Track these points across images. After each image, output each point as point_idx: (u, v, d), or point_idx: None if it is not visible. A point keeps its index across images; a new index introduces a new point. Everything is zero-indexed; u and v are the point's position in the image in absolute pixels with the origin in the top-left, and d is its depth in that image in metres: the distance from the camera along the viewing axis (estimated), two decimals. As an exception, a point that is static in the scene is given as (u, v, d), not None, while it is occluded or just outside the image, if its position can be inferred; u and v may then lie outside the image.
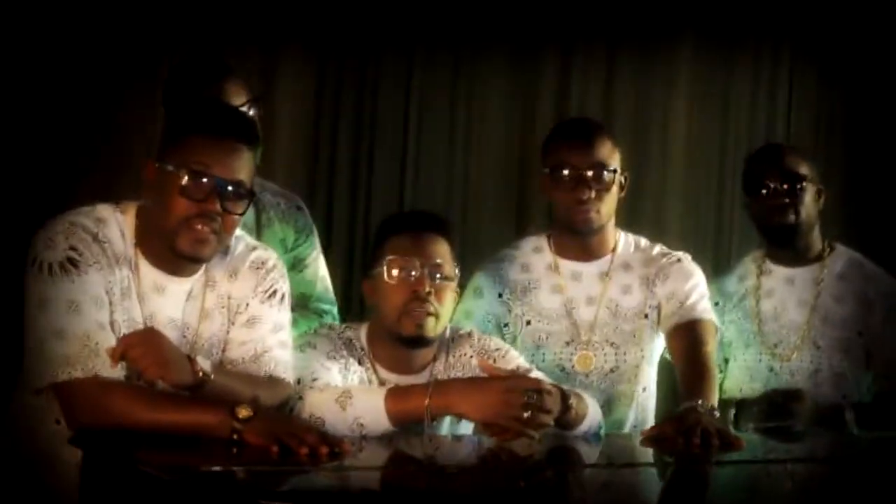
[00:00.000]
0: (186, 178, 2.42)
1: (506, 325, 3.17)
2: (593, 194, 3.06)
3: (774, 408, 3.21)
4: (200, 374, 2.40)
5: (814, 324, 3.33)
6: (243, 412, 2.29)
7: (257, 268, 2.62)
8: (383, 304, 2.78)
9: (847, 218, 3.42)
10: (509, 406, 2.53)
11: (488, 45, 4.70)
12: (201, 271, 2.56)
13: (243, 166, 2.47)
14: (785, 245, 3.34)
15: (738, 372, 3.36)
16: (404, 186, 4.65)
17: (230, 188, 2.44)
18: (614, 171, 3.09)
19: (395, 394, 2.61)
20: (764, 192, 3.29)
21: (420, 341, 2.77)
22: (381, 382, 2.78)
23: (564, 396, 2.65)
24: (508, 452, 2.52)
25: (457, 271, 2.84)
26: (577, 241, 3.18)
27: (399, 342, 2.78)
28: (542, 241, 3.26)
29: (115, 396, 2.33)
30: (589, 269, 3.19)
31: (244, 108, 3.03)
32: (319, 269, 3.34)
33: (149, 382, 2.39)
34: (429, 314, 2.74)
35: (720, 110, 5.03)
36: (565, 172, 3.07)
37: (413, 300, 2.74)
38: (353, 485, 2.18)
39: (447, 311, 2.82)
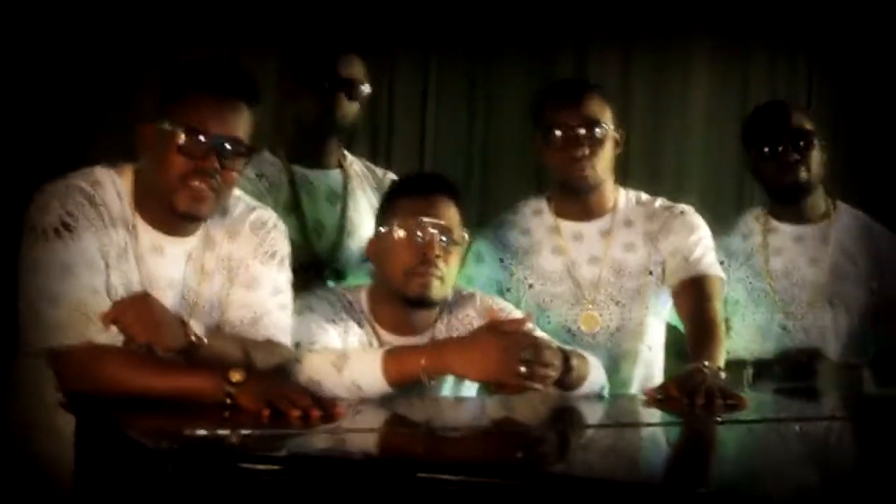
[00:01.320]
0: (184, 135, 2.39)
1: (508, 289, 3.14)
2: (587, 151, 3.03)
3: (795, 367, 3.17)
4: (193, 338, 2.38)
5: (827, 282, 3.29)
6: (236, 376, 2.26)
7: (258, 228, 2.59)
8: (389, 264, 2.75)
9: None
10: (507, 363, 2.51)
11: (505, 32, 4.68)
12: (200, 232, 2.53)
13: (242, 123, 2.45)
14: (794, 203, 3.29)
15: (747, 332, 3.31)
16: (424, 155, 4.62)
17: (228, 145, 2.41)
18: (606, 127, 3.05)
19: (391, 355, 2.58)
20: (770, 150, 3.24)
21: (425, 303, 2.74)
22: (382, 344, 2.75)
23: (565, 356, 2.62)
24: (510, 414, 2.49)
25: (465, 236, 2.80)
26: (577, 200, 3.14)
27: (403, 303, 2.75)
28: (541, 204, 3.22)
29: (107, 362, 2.31)
30: (590, 228, 3.16)
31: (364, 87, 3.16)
32: None
33: (143, 348, 2.37)
34: (436, 277, 2.72)
35: (738, 102, 4.94)
36: (557, 133, 3.03)
37: (421, 262, 2.71)
38: (340, 448, 2.14)
39: (453, 274, 2.79)
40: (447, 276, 2.75)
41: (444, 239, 2.73)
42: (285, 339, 2.57)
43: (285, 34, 4.20)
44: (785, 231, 3.32)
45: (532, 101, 3.20)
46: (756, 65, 4.99)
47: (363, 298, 2.81)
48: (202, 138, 2.39)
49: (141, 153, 2.48)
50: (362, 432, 2.29)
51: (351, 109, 3.20)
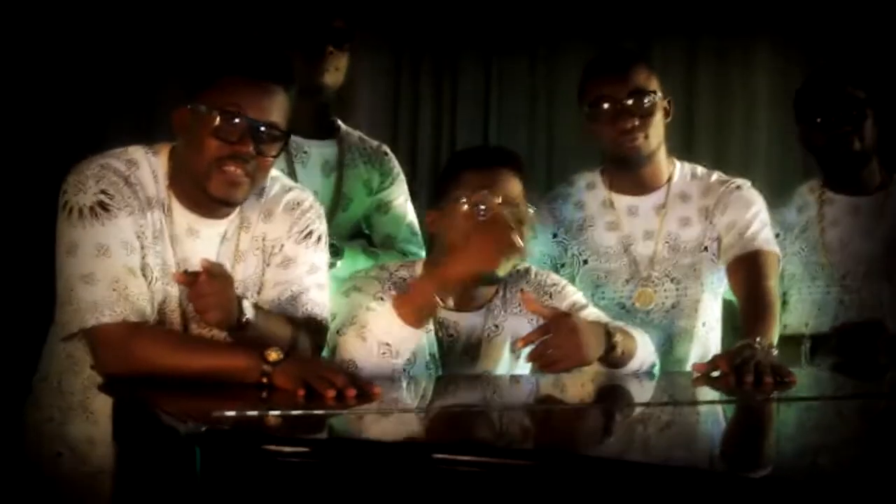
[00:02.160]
0: (219, 119, 2.36)
1: (562, 265, 3.09)
2: (637, 122, 2.96)
3: (853, 341, 3.08)
4: (245, 318, 2.36)
5: (883, 253, 3.20)
6: (273, 355, 2.24)
7: (292, 209, 2.56)
8: (454, 238, 2.67)
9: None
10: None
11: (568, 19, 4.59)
12: (235, 213, 2.50)
13: (277, 107, 2.41)
14: (847, 174, 3.19)
15: (803, 306, 3.24)
16: (487, 137, 4.57)
17: (263, 129, 2.38)
18: (654, 94, 2.98)
19: (400, 299, 2.56)
20: (823, 119, 3.15)
21: (492, 280, 2.70)
22: (439, 321, 2.72)
23: (608, 334, 2.55)
24: (554, 392, 2.44)
25: (531, 211, 2.74)
26: (630, 174, 3.07)
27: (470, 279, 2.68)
28: (595, 177, 3.16)
29: (144, 341, 2.30)
30: (644, 202, 3.09)
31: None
32: (407, 214, 3.27)
33: (182, 325, 2.36)
34: None
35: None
36: (605, 106, 2.96)
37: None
38: (371, 430, 2.10)
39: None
40: None
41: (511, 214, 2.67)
42: (324, 317, 2.54)
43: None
44: (841, 202, 3.24)
45: (580, 78, 3.11)
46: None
47: (418, 273, 2.76)
48: (238, 122, 2.37)
49: (177, 134, 2.45)
50: (398, 412, 2.26)
51: (340, 62, 3.12)
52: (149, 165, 2.45)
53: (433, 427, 2.16)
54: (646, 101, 2.96)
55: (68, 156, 2.51)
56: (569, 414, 2.30)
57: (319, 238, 2.59)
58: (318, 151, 3.16)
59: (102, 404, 2.32)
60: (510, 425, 2.16)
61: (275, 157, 2.45)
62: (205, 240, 2.47)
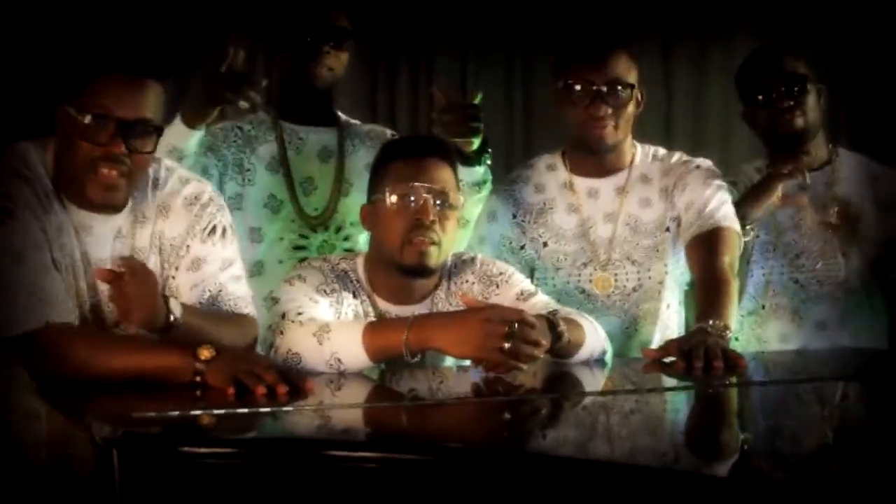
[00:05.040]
0: (87, 120, 2.32)
1: (522, 247, 3.04)
2: (609, 111, 2.90)
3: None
4: (172, 317, 2.32)
5: (836, 230, 3.15)
6: (205, 353, 2.19)
7: (190, 204, 2.51)
8: (384, 231, 2.66)
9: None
10: (489, 338, 2.37)
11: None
12: (129, 207, 2.45)
13: (149, 102, 2.37)
14: (792, 151, 3.13)
15: (756, 286, 3.18)
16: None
17: (134, 127, 2.34)
18: (631, 87, 2.92)
19: (373, 328, 2.48)
20: (764, 97, 3.10)
21: (422, 271, 2.65)
22: (380, 314, 2.67)
23: (552, 325, 2.50)
24: (497, 382, 2.39)
25: (461, 199, 2.70)
26: (594, 158, 3.02)
27: (400, 272, 2.65)
28: (555, 159, 3.11)
29: (72, 343, 2.25)
30: (605, 184, 3.04)
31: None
32: None
33: (110, 324, 2.32)
34: (432, 243, 2.62)
35: None
36: (578, 88, 2.90)
37: (415, 228, 2.61)
38: (297, 425, 2.06)
39: (450, 239, 2.69)
40: (444, 242, 2.65)
41: (438, 203, 2.63)
42: (249, 310, 2.50)
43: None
44: (787, 181, 3.17)
45: (558, 51, 3.06)
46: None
47: (359, 267, 2.72)
48: (107, 123, 2.32)
49: (56, 135, 2.41)
50: (332, 409, 2.21)
51: (336, 62, 3.09)
52: (40, 160, 2.41)
53: (366, 423, 2.11)
54: (622, 92, 2.91)
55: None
56: (509, 405, 2.25)
57: (224, 231, 2.54)
58: (315, 138, 3.13)
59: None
60: (449, 418, 2.11)
61: (150, 152, 2.40)
62: (98, 236, 2.42)
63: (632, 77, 2.94)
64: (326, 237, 3.09)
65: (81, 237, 2.40)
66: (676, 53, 4.81)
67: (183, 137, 2.75)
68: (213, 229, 2.51)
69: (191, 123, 2.75)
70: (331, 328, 2.47)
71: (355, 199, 3.05)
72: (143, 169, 2.42)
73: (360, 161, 3.12)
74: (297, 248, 3.06)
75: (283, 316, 2.52)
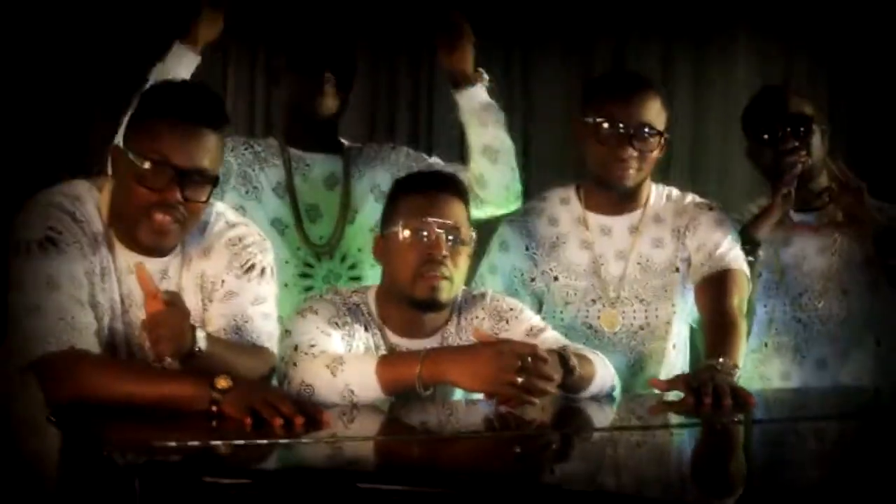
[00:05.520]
0: (146, 166, 2.35)
1: (533, 279, 3.06)
2: (635, 154, 2.92)
3: None
4: (196, 348, 2.34)
5: (838, 269, 3.18)
6: (222, 382, 2.21)
7: (233, 244, 2.55)
8: (396, 265, 2.69)
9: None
10: (501, 372, 2.40)
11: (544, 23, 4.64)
12: (177, 250, 2.49)
13: (207, 151, 2.40)
14: (797, 191, 3.16)
15: (759, 324, 3.19)
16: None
17: (192, 177, 2.37)
18: (660, 133, 2.94)
19: (386, 361, 2.51)
20: (769, 136, 3.13)
21: (433, 305, 2.67)
22: (391, 347, 2.69)
23: (563, 360, 2.53)
24: (511, 418, 2.41)
25: (473, 235, 2.73)
26: (609, 195, 3.04)
27: (411, 305, 2.68)
28: (569, 193, 3.12)
29: (92, 369, 2.27)
30: (619, 222, 3.06)
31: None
32: None
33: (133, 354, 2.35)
34: (443, 278, 2.64)
35: None
36: (606, 126, 2.92)
37: (428, 262, 2.64)
38: (315, 457, 2.07)
39: (462, 274, 2.72)
40: (455, 277, 2.68)
41: (451, 238, 2.66)
42: (271, 345, 2.52)
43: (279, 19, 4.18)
44: (791, 219, 3.20)
45: (588, 84, 3.10)
46: (799, 64, 4.88)
47: (371, 300, 2.75)
48: (165, 170, 2.35)
49: (112, 175, 2.45)
50: (347, 441, 2.23)
51: (338, 88, 3.14)
52: (93, 200, 2.45)
53: (380, 455, 2.13)
54: (650, 137, 2.93)
55: (20, 188, 2.52)
56: (523, 440, 2.27)
57: (263, 270, 2.57)
58: (321, 165, 3.17)
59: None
60: (463, 452, 2.13)
61: (205, 201, 2.43)
62: None
63: (661, 122, 2.96)
64: (332, 266, 3.12)
65: (125, 278, 2.44)
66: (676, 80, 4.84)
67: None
68: (252, 267, 2.55)
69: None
70: (344, 360, 2.49)
71: (361, 226, 3.10)
72: (197, 216, 2.45)
73: (366, 186, 3.16)
74: (303, 275, 3.09)
75: (296, 348, 2.54)
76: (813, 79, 4.82)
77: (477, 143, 3.10)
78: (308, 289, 3.06)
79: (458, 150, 4.03)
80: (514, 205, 3.16)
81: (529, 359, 2.41)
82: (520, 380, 2.40)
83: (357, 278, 3.13)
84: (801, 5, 4.71)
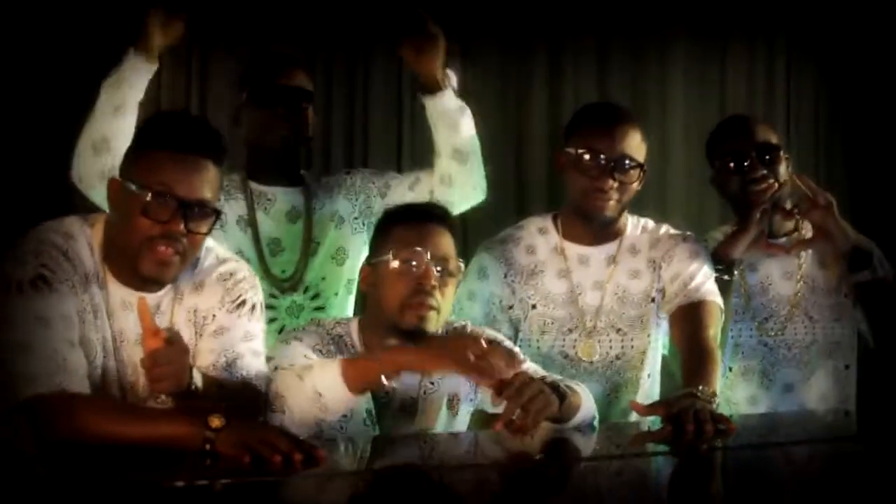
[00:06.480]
0: (149, 197, 2.37)
1: (511, 307, 3.09)
2: (615, 185, 2.97)
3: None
4: (193, 387, 2.37)
5: (804, 294, 3.24)
6: (215, 421, 2.22)
7: (224, 280, 2.58)
8: (384, 294, 2.72)
9: (847, 214, 3.28)
10: (461, 347, 2.47)
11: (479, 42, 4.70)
12: (168, 286, 2.52)
13: (208, 183, 2.43)
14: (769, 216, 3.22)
15: (727, 349, 3.22)
16: (401, 157, 4.67)
17: (194, 208, 2.40)
18: (641, 169, 3.00)
19: (350, 360, 2.55)
20: (736, 164, 3.18)
21: (420, 334, 2.70)
22: None
23: (556, 387, 2.55)
24: (502, 448, 2.45)
25: (461, 266, 2.77)
26: (587, 225, 3.08)
27: (397, 334, 2.71)
28: (546, 223, 3.16)
29: (85, 410, 2.28)
30: (596, 252, 3.10)
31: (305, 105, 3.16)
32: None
33: (121, 397, 2.35)
34: (431, 308, 2.68)
35: (717, 103, 4.99)
36: (587, 157, 2.97)
37: (416, 293, 2.68)
38: (322, 494, 2.10)
39: (449, 305, 2.76)
40: (443, 307, 2.71)
41: (440, 269, 2.70)
42: (260, 384, 2.54)
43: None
44: (766, 239, 3.24)
45: (572, 116, 3.14)
46: (734, 67, 5.02)
47: (353, 331, 2.77)
48: (168, 201, 2.38)
49: (109, 207, 2.47)
50: (345, 476, 2.26)
51: (297, 122, 3.16)
52: (85, 238, 2.47)
53: (377, 490, 2.16)
54: (631, 168, 2.98)
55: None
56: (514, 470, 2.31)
57: (254, 307, 2.60)
58: (283, 198, 3.19)
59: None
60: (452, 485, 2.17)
61: (206, 234, 2.46)
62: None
63: (641, 154, 3.01)
64: (294, 298, 3.15)
65: (118, 315, 2.46)
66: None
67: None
68: (243, 303, 2.58)
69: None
70: (311, 366, 2.53)
71: (323, 258, 3.14)
72: (197, 249, 2.48)
73: (326, 216, 3.19)
74: (267, 306, 3.10)
75: (276, 368, 2.58)
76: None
77: (446, 147, 3.12)
78: (271, 320, 3.06)
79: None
80: (479, 199, 3.19)
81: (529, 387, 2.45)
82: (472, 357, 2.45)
83: (321, 308, 3.16)
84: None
